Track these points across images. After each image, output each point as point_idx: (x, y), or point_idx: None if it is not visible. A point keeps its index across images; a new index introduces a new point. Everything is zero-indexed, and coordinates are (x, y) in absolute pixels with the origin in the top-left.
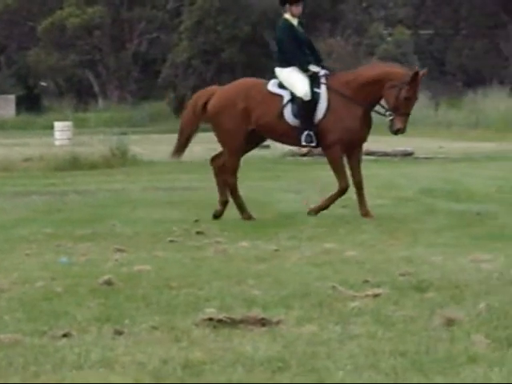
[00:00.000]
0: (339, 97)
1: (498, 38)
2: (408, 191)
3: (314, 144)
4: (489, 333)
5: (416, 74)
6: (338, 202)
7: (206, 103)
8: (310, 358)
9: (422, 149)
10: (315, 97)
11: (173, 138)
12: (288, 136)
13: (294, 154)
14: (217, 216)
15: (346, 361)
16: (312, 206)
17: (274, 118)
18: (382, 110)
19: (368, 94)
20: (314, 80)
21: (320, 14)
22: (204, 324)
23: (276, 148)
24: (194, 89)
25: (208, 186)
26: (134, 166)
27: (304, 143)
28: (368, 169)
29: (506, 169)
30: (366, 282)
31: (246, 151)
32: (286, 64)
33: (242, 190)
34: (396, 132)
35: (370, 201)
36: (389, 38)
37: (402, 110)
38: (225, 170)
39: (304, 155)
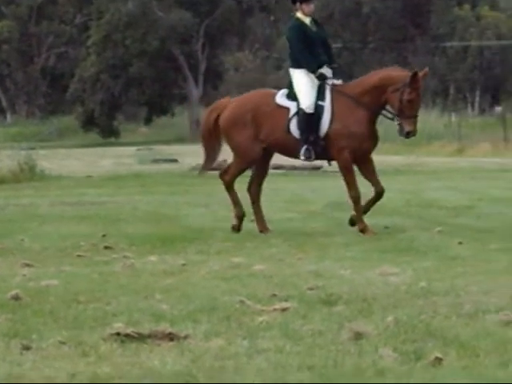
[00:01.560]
0: (346, 101)
1: (406, 52)
2: (317, 205)
3: (312, 159)
4: (396, 346)
5: (415, 74)
6: (247, 216)
7: (218, 116)
8: (217, 372)
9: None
10: (318, 110)
11: (81, 153)
12: (295, 150)
13: None
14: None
15: (253, 375)
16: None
17: (283, 132)
18: (389, 115)
19: (372, 100)
20: (320, 90)
21: (228, 29)
22: (112, 339)
23: (183, 162)
24: (102, 103)
25: (116, 201)
26: (42, 181)
27: (302, 157)
28: (277, 183)
29: (414, 182)
30: (274, 296)
31: (264, 171)
32: (296, 65)
33: (150, 205)
34: (407, 135)
35: (278, 215)
36: None
37: (407, 113)
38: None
39: (212, 169)
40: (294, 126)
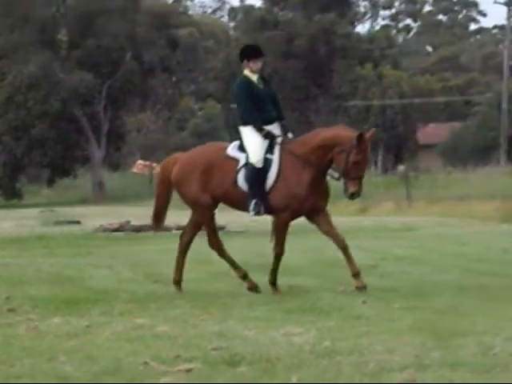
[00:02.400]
0: (292, 158)
1: (309, 111)
2: (221, 265)
3: (261, 213)
4: None
5: (360, 136)
6: (150, 277)
7: (169, 173)
8: None
9: (234, 222)
10: (267, 164)
11: None
12: (244, 203)
13: (104, 230)
14: (251, 289)
15: None
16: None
17: (231, 185)
18: (335, 175)
19: (319, 157)
20: (270, 144)
21: (130, 90)
22: None
23: (86, 224)
24: (5, 165)
25: (19, 263)
26: None
27: (252, 212)
28: None
29: (318, 242)
30: (178, 357)
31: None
32: (243, 122)
33: (53, 267)
34: (351, 196)
35: (182, 275)
36: (199, 113)
37: (352, 175)
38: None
39: (115, 230)
40: (241, 179)
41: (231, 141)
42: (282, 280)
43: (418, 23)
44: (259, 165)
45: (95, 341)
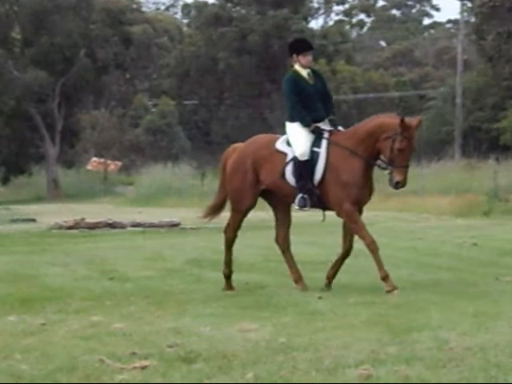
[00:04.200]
0: (340, 151)
1: (263, 107)
2: (175, 262)
3: (307, 208)
4: None
5: (402, 121)
6: (106, 274)
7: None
8: None
9: (189, 219)
10: (314, 157)
11: None
12: (292, 197)
13: (60, 227)
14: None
15: None
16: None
17: (278, 177)
18: (384, 165)
19: (366, 148)
20: (317, 137)
21: (84, 87)
22: None
23: (42, 221)
24: None
25: None
26: None
27: (297, 206)
28: (135, 240)
29: (271, 238)
30: (134, 354)
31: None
32: (290, 119)
33: (8, 265)
34: (396, 185)
35: (137, 272)
36: (153, 109)
37: (397, 163)
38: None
39: (70, 228)
40: (289, 172)
41: (187, 137)
42: (236, 276)
43: (372, 18)
44: (304, 157)
45: (51, 339)
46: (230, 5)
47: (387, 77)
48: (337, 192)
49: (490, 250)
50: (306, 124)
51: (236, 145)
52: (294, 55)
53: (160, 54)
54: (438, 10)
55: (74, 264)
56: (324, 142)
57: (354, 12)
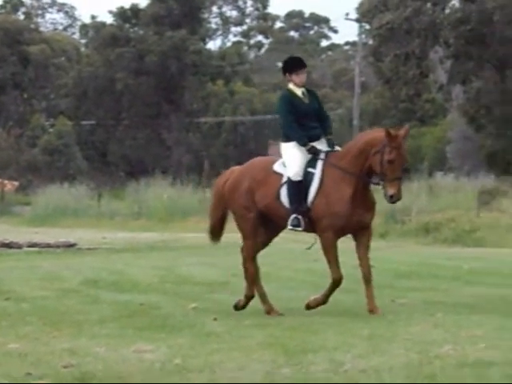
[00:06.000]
0: (334, 172)
1: (160, 128)
2: (71, 282)
3: (300, 228)
4: None
5: (387, 132)
6: (1, 294)
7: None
8: None
9: (85, 240)
10: (308, 178)
11: None
12: (286, 219)
13: None
14: (237, 308)
15: None
16: (310, 299)
17: (272, 199)
18: (375, 180)
19: (359, 165)
20: (313, 158)
21: None
22: None
23: None
24: None
25: None
26: None
27: (290, 227)
28: (31, 260)
29: (169, 258)
30: (29, 374)
31: (270, 238)
32: (285, 138)
33: None
34: (390, 199)
35: (33, 292)
36: (51, 129)
37: (389, 175)
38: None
39: None
40: (283, 194)
41: (84, 158)
42: (132, 297)
43: (270, 40)
44: (297, 178)
45: None
46: (127, 25)
47: None
48: (324, 218)
49: (386, 272)
50: (302, 143)
51: (234, 167)
52: (287, 74)
53: (58, 74)
54: (335, 31)
55: None
56: (319, 163)
57: (251, 33)
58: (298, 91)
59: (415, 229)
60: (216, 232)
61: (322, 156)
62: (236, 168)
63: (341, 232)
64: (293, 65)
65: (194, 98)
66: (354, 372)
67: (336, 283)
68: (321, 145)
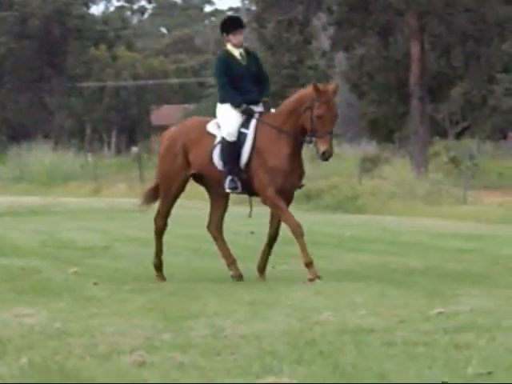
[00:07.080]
0: (268, 131)
1: (43, 92)
2: None
3: (239, 190)
4: None
5: (315, 87)
6: None
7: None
8: None
9: None
10: (241, 138)
11: None
12: (222, 182)
13: None
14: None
15: None
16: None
17: (206, 161)
18: (308, 138)
19: (292, 124)
20: (247, 119)
21: None
22: None
23: None
24: None
25: None
26: None
27: (228, 190)
28: None
29: (50, 223)
30: None
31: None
32: (221, 100)
33: None
34: (322, 155)
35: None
36: None
37: (319, 131)
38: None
39: None
40: (216, 155)
41: None
42: (12, 261)
43: (153, 5)
44: (231, 138)
45: None
46: None
47: (167, 64)
48: (262, 177)
49: (266, 238)
50: (236, 105)
51: (172, 128)
52: (225, 34)
53: None
54: None
55: None
56: (253, 123)
57: None
58: (236, 52)
59: (296, 195)
60: (152, 195)
61: (256, 116)
62: (171, 128)
63: (281, 188)
64: (229, 25)
65: (76, 62)
66: (235, 337)
67: (298, 233)
68: (257, 108)
